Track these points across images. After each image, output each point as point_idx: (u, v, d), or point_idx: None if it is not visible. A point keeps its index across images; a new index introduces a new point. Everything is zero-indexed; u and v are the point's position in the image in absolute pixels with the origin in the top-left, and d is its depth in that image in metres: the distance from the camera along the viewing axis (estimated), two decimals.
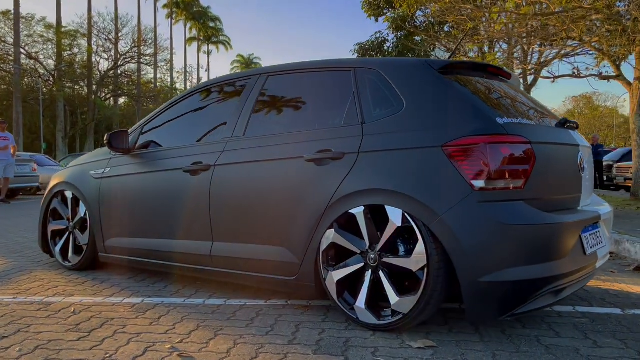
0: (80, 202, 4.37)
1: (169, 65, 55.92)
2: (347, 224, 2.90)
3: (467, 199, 2.53)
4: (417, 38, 18.09)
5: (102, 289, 3.83)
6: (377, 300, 2.83)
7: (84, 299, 3.54)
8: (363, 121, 2.98)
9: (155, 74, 53.14)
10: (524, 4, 9.51)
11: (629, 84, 9.92)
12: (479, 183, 2.53)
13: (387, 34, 18.66)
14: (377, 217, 2.80)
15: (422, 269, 2.61)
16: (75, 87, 43.15)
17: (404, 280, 2.76)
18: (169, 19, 60.78)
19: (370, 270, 2.81)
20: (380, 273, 2.77)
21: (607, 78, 10.33)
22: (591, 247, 2.87)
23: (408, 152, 2.74)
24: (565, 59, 11.34)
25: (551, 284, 2.56)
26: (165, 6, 59.06)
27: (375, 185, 2.79)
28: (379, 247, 2.78)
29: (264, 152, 3.28)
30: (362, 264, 2.85)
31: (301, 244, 3.06)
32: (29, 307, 3.35)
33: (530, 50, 13.67)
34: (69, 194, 4.49)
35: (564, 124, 3.11)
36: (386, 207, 2.73)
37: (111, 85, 44.78)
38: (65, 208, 4.56)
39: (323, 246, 2.97)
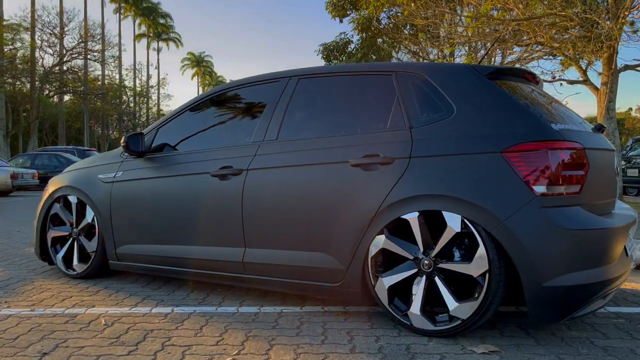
0: (87, 207, 4.17)
1: (117, 62, 54.31)
2: (399, 230, 2.89)
3: (529, 204, 2.56)
4: (381, 40, 18.28)
5: (121, 298, 3.67)
6: (427, 305, 2.83)
7: (109, 309, 3.38)
8: (411, 126, 2.97)
9: (103, 71, 51.37)
10: (497, 10, 9.77)
11: (596, 88, 10.35)
12: (540, 188, 2.57)
13: (352, 35, 18.78)
14: (431, 222, 2.80)
15: (483, 274, 2.63)
16: (17, 83, 41.23)
17: (459, 286, 2.77)
18: (117, 14, 58.97)
19: (424, 276, 2.81)
20: (436, 279, 2.77)
21: (575, 82, 10.75)
22: (630, 249, 2.96)
23: (465, 157, 2.75)
24: (527, 65, 11.70)
25: (606, 287, 2.63)
26: (113, 0, 57.27)
27: (431, 190, 2.79)
28: (434, 252, 2.78)
29: (304, 156, 3.22)
30: (415, 270, 2.84)
31: (346, 250, 3.02)
32: (54, 319, 3.17)
33: (494, 54, 14.06)
34: (73, 199, 4.27)
35: (600, 129, 3.20)
36: (443, 212, 2.73)
37: (56, 82, 43.02)
38: (68, 213, 4.35)
39: (372, 252, 2.94)
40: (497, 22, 9.90)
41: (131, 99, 57.64)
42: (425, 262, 2.80)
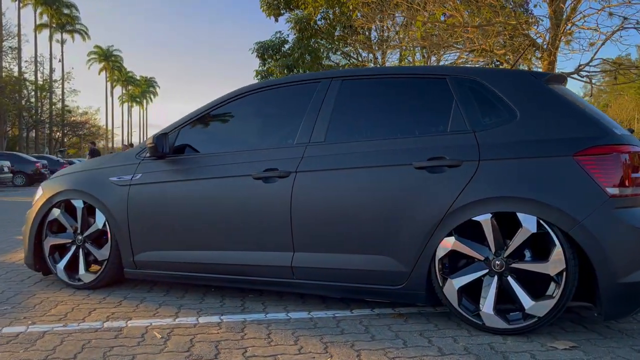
0: (97, 212, 3.88)
1: (16, 53, 50.57)
2: (469, 231, 2.94)
3: (604, 205, 2.70)
4: (313, 40, 18.40)
5: (153, 309, 3.45)
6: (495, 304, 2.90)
7: (151, 321, 3.17)
8: (474, 129, 3.03)
9: (0, 63, 47.75)
10: (447, 17, 10.16)
11: None
12: (613, 190, 2.72)
13: (288, 35, 18.74)
14: (501, 223, 2.88)
15: (560, 273, 2.74)
16: None
17: (532, 285, 2.86)
18: (17, 2, 54.91)
19: (495, 276, 2.88)
20: (509, 278, 2.85)
21: None
22: None
23: (535, 160, 2.85)
24: None
25: None
26: None
27: (504, 192, 2.86)
28: (506, 252, 2.85)
29: (361, 159, 3.19)
30: (486, 270, 2.90)
31: (411, 252, 3.04)
32: (100, 334, 2.93)
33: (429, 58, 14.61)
34: (78, 203, 3.96)
35: (632, 131, 3.43)
36: (518, 214, 2.81)
37: None
38: (70, 219, 4.02)
39: (439, 254, 2.97)
40: (444, 27, 10.29)
41: (32, 93, 53.95)
42: (497, 262, 2.87)
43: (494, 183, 2.89)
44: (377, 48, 19.24)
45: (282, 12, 18.20)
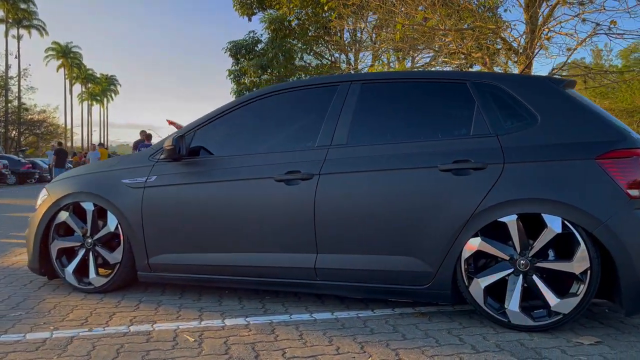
0: (109, 215, 3.82)
1: None
2: (494, 232, 3.03)
3: (626, 206, 2.84)
4: (287, 40, 18.39)
5: (174, 312, 3.42)
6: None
7: (178, 324, 3.16)
8: (497, 133, 3.13)
9: None
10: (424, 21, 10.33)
11: None
12: (635, 192, 2.85)
13: (262, 35, 18.68)
14: (526, 224, 2.98)
15: (584, 271, 2.86)
16: None
17: (556, 283, 2.97)
18: None
19: (520, 275, 2.98)
20: (534, 277, 2.96)
21: None
22: None
23: (558, 163, 2.97)
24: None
25: None
26: None
27: (529, 194, 2.97)
28: (531, 252, 2.96)
29: (385, 161, 3.25)
30: (511, 270, 3.00)
31: (437, 252, 3.11)
32: (131, 338, 2.90)
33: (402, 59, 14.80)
34: (88, 206, 3.89)
35: None
36: (543, 215, 2.92)
37: None
38: (79, 222, 3.95)
39: (465, 254, 3.06)
40: (424, 30, 10.46)
41: None
42: (522, 261, 2.97)
43: (519, 185, 3.00)
44: (350, 49, 19.42)
45: (255, 11, 18.16)
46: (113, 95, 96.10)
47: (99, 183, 3.93)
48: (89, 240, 3.91)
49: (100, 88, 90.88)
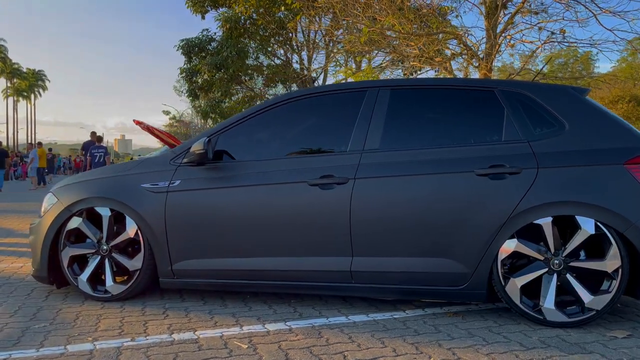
0: (127, 220, 3.71)
1: None
2: (529, 233, 3.18)
3: None
4: (242, 39, 18.23)
5: (208, 319, 3.37)
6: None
7: (222, 331, 3.12)
8: (528, 139, 3.28)
9: None
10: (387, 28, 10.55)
11: None
12: None
13: (215, 33, 18.39)
14: (559, 225, 3.15)
15: (616, 269, 3.05)
16: None
17: (587, 281, 3.15)
18: None
19: (554, 274, 3.14)
20: (568, 276, 3.13)
21: None
22: None
23: (590, 168, 3.16)
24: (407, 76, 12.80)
25: None
26: None
27: (563, 197, 3.13)
28: (565, 252, 3.13)
29: (421, 166, 3.34)
30: (545, 269, 3.16)
31: (474, 254, 3.23)
32: (182, 347, 2.85)
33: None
34: (104, 211, 3.76)
35: None
36: (577, 217, 3.10)
37: None
38: (94, 228, 3.81)
39: (502, 255, 3.20)
40: (389, 30, 10.69)
41: None
42: (556, 261, 3.14)
43: (553, 189, 3.16)
44: (301, 49, 19.50)
45: (208, 9, 17.87)
46: (41, 91, 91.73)
47: (116, 187, 3.81)
48: (104, 247, 3.78)
49: (27, 83, 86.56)
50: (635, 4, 20.65)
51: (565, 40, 10.28)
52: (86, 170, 15.36)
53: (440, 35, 10.34)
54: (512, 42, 10.07)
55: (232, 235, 3.56)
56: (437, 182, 3.31)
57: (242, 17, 16.50)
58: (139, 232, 3.70)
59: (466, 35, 11.06)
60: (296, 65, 19.97)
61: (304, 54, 20.04)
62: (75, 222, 3.82)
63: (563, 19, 9.51)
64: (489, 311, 3.51)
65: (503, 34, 10.38)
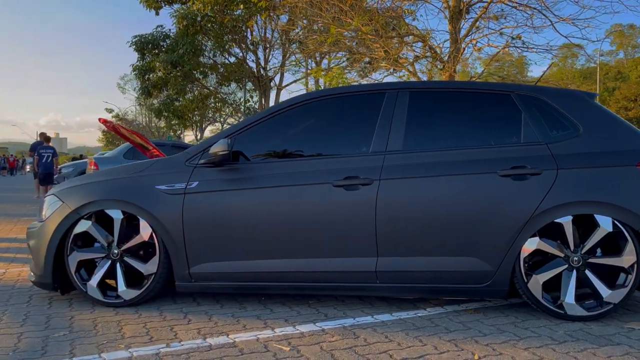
0: (141, 223, 3.60)
1: None
2: (550, 232, 3.32)
3: None
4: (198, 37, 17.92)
5: (234, 322, 3.32)
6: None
7: (257, 334, 3.08)
8: (546, 141, 3.42)
9: None
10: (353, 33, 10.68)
11: None
12: None
13: (170, 30, 17.97)
14: (578, 224, 3.31)
15: (632, 265, 3.23)
16: None
17: (604, 277, 3.32)
18: None
19: (574, 270, 3.29)
20: (586, 272, 3.29)
21: None
22: None
23: (605, 169, 3.33)
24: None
25: None
26: None
27: (583, 197, 3.29)
28: (584, 249, 3.28)
29: (445, 167, 3.41)
30: (565, 266, 3.31)
31: (497, 252, 3.34)
32: (223, 352, 2.79)
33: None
34: (116, 214, 3.63)
35: None
36: (595, 215, 3.26)
37: None
38: (103, 231, 3.67)
39: (524, 253, 3.32)
40: (359, 35, 10.81)
41: None
42: (575, 258, 3.29)
43: (572, 189, 3.31)
44: (257, 47, 19.37)
45: (162, 5, 17.44)
46: None
47: (128, 189, 3.69)
48: (115, 251, 3.66)
49: None
50: (590, 12, 21.86)
51: (525, 45, 10.70)
52: (35, 171, 14.73)
53: (410, 37, 10.54)
54: (478, 45, 10.39)
55: (254, 237, 3.52)
56: (462, 183, 3.39)
57: (199, 14, 16.21)
58: (153, 235, 3.59)
59: (429, 38, 11.32)
60: (252, 64, 19.83)
61: (260, 52, 19.93)
62: (83, 226, 3.67)
63: (526, 25, 9.90)
64: (505, 307, 3.63)
65: (467, 38, 10.69)
